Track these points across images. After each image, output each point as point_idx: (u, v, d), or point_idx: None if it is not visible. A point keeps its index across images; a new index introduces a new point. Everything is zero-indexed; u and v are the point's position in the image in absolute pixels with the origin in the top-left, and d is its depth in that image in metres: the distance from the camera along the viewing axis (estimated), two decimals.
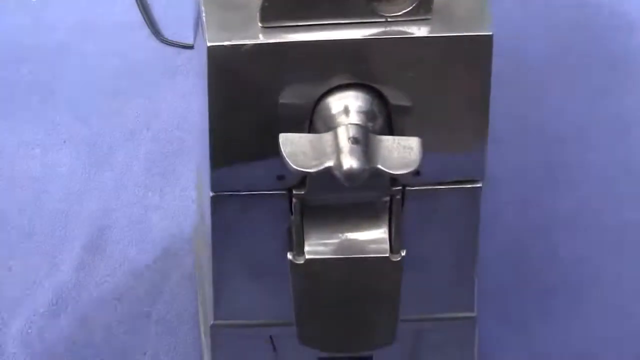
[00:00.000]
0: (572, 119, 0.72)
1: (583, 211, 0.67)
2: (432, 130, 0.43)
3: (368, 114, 0.42)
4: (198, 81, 0.46)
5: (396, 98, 0.42)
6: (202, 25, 0.41)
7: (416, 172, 0.43)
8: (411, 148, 0.42)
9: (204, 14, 0.41)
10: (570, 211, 0.67)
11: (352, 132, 0.41)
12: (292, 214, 0.46)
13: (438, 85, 0.42)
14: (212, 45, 0.40)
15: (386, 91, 0.42)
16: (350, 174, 0.40)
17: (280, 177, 0.44)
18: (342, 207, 0.47)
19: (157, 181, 0.66)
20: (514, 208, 0.67)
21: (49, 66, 0.73)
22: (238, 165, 0.45)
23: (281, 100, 0.42)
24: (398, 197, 0.46)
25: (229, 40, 0.40)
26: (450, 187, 0.46)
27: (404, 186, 0.45)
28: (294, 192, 0.45)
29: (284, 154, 0.41)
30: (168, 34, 0.74)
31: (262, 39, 0.40)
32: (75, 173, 0.67)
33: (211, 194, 0.46)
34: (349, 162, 0.40)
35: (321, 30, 0.40)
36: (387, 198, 0.46)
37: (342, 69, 0.41)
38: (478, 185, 0.46)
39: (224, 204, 0.46)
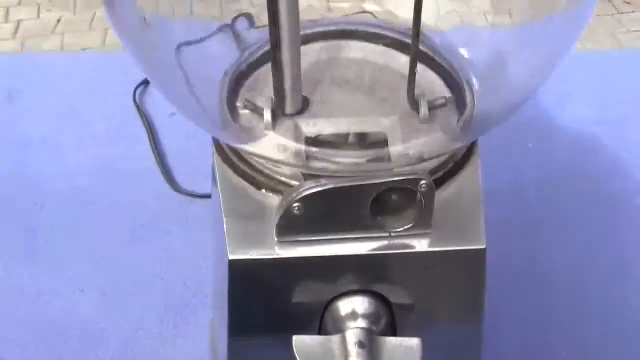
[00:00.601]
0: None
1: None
2: (432, 326, 0.47)
3: (373, 316, 0.46)
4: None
5: (398, 301, 0.46)
6: (223, 234, 0.45)
7: None
8: (412, 348, 0.45)
9: (224, 225, 0.45)
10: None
11: (358, 336, 0.45)
12: None
13: (436, 289, 0.46)
14: (233, 259, 0.44)
15: (389, 296, 0.46)
16: None
17: None
18: None
19: (170, 333, 0.69)
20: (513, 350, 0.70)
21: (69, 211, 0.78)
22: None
23: (294, 304, 0.46)
24: None
25: (248, 255, 0.44)
26: None
27: None
28: None
29: (296, 354, 0.44)
30: (180, 181, 0.79)
31: (277, 252, 0.44)
32: (91, 322, 0.70)
33: None
34: None
35: (331, 244, 0.44)
36: None
37: (349, 278, 0.45)
38: None
39: None
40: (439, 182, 0.46)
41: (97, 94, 0.88)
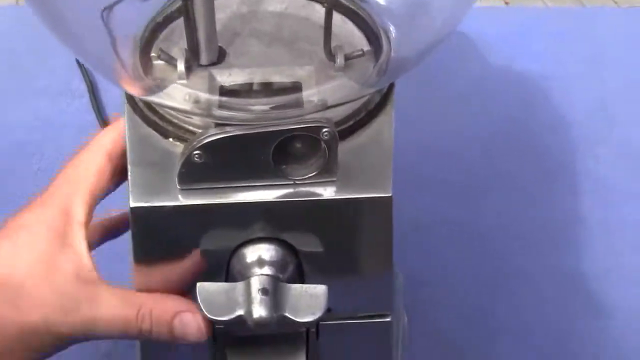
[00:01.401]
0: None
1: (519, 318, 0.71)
2: (341, 275, 0.47)
3: (279, 264, 0.46)
4: None
5: (306, 249, 0.46)
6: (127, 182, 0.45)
7: (328, 309, 0.47)
8: (317, 296, 0.45)
9: (129, 173, 0.45)
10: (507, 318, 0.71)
11: (262, 283, 0.45)
12: (214, 344, 0.50)
13: (344, 238, 0.46)
14: (135, 207, 0.43)
15: (296, 244, 0.46)
16: (259, 323, 0.44)
17: None
18: (262, 339, 0.51)
19: None
20: (454, 312, 0.70)
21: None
22: None
23: (199, 252, 0.46)
24: (313, 330, 0.50)
25: (150, 202, 0.43)
26: (361, 321, 0.50)
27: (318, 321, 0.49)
28: (216, 325, 0.48)
29: (199, 302, 0.45)
30: None
31: (180, 200, 0.44)
32: None
33: None
34: (258, 311, 0.44)
35: (235, 192, 0.44)
36: (304, 330, 0.50)
37: (254, 226, 0.45)
38: (387, 319, 0.50)
39: None
40: (350, 131, 0.46)
41: (39, 49, 0.88)
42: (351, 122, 0.46)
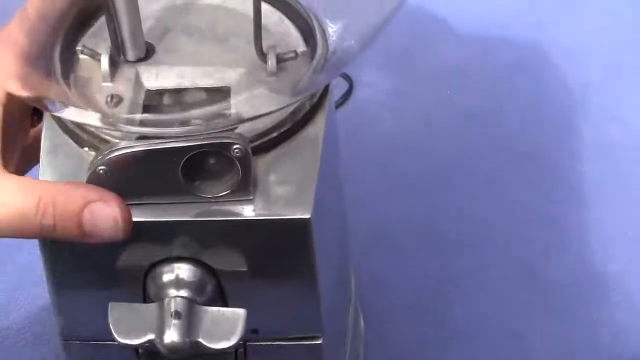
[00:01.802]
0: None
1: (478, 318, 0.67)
2: (264, 297, 0.45)
3: (196, 285, 0.43)
4: None
5: (225, 270, 0.43)
6: None
7: (255, 331, 0.45)
8: (235, 321, 0.43)
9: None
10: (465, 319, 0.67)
11: (176, 306, 0.42)
12: None
13: (263, 259, 0.43)
14: None
15: (214, 264, 0.43)
16: (171, 349, 0.42)
17: None
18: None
19: None
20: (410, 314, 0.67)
21: None
22: (83, 316, 0.46)
23: (115, 270, 0.43)
24: (241, 350, 0.48)
25: None
26: (291, 343, 0.47)
27: (245, 342, 0.47)
28: None
29: (110, 323, 0.42)
30: None
31: None
32: None
33: (60, 340, 0.48)
34: (170, 336, 0.41)
35: (145, 209, 0.41)
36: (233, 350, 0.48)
37: (168, 246, 0.42)
38: (319, 342, 0.47)
39: (74, 349, 0.48)
40: (273, 144, 0.43)
41: None
42: (274, 134, 0.43)
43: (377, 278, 0.63)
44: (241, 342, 0.46)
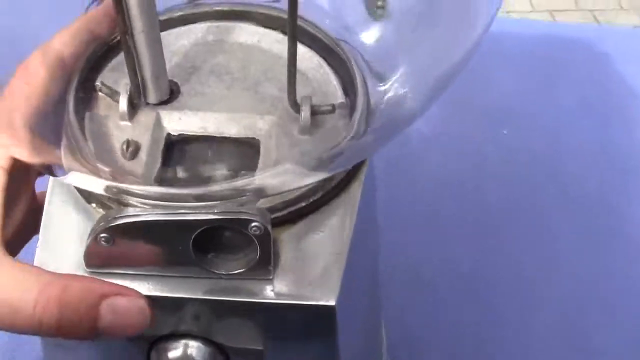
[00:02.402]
0: None
1: None
2: None
3: None
4: None
5: (238, 350, 0.39)
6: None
7: None
8: None
9: (39, 241, 0.39)
10: None
11: None
12: None
13: (282, 343, 0.39)
14: None
15: (225, 342, 0.38)
16: None
17: None
18: None
19: None
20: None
21: None
22: None
23: (115, 345, 0.39)
24: None
25: None
26: None
27: None
28: None
29: None
30: None
31: None
32: None
33: None
34: None
35: (150, 282, 0.37)
36: None
37: (174, 321, 0.38)
38: None
39: None
40: (298, 215, 0.38)
41: None
42: (302, 204, 0.38)
43: (412, 334, 0.58)
44: None
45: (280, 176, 0.36)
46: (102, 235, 0.36)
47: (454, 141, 0.68)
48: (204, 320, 0.38)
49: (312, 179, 0.37)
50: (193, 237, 0.35)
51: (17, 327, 0.35)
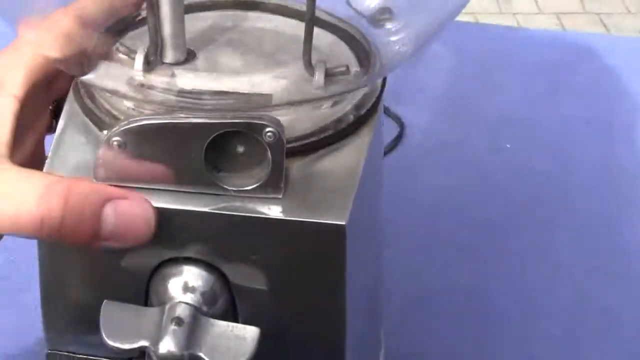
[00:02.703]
0: None
1: None
2: (280, 319, 0.39)
3: (206, 294, 0.37)
4: None
5: (240, 279, 0.38)
6: None
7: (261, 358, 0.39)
8: (244, 338, 0.37)
9: (47, 160, 0.38)
10: None
11: (178, 311, 0.37)
12: None
13: (287, 270, 0.38)
14: None
15: (229, 272, 0.38)
16: (166, 359, 0.36)
17: None
18: None
19: None
20: None
21: None
22: (71, 329, 0.41)
23: (114, 269, 0.38)
24: None
25: None
26: None
27: None
28: None
29: (101, 323, 0.37)
30: None
31: None
32: None
33: (47, 350, 0.42)
34: (166, 345, 0.36)
35: (158, 195, 0.36)
36: None
37: (179, 242, 0.37)
38: None
39: None
40: (313, 147, 0.38)
41: None
42: (313, 138, 0.38)
43: (411, 345, 0.56)
44: None
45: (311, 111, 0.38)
46: (116, 138, 0.36)
47: (456, 151, 0.68)
48: (209, 242, 0.37)
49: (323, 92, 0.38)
50: (206, 144, 0.36)
51: (19, 226, 0.34)
